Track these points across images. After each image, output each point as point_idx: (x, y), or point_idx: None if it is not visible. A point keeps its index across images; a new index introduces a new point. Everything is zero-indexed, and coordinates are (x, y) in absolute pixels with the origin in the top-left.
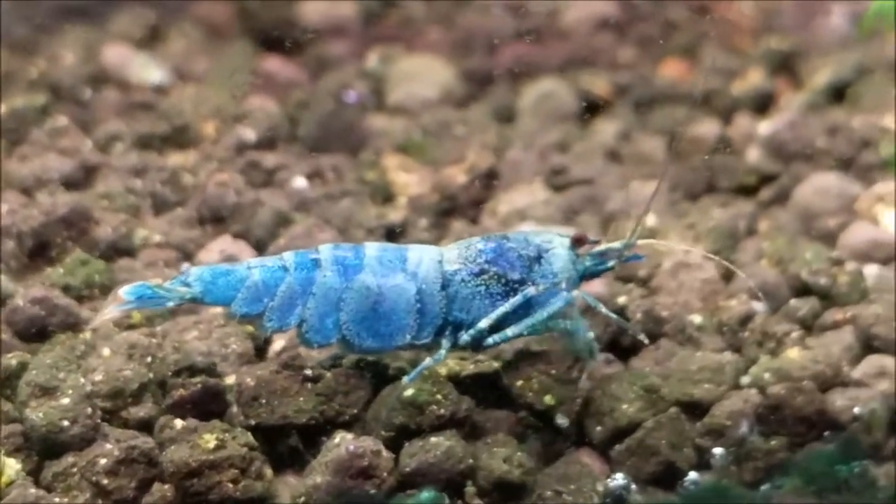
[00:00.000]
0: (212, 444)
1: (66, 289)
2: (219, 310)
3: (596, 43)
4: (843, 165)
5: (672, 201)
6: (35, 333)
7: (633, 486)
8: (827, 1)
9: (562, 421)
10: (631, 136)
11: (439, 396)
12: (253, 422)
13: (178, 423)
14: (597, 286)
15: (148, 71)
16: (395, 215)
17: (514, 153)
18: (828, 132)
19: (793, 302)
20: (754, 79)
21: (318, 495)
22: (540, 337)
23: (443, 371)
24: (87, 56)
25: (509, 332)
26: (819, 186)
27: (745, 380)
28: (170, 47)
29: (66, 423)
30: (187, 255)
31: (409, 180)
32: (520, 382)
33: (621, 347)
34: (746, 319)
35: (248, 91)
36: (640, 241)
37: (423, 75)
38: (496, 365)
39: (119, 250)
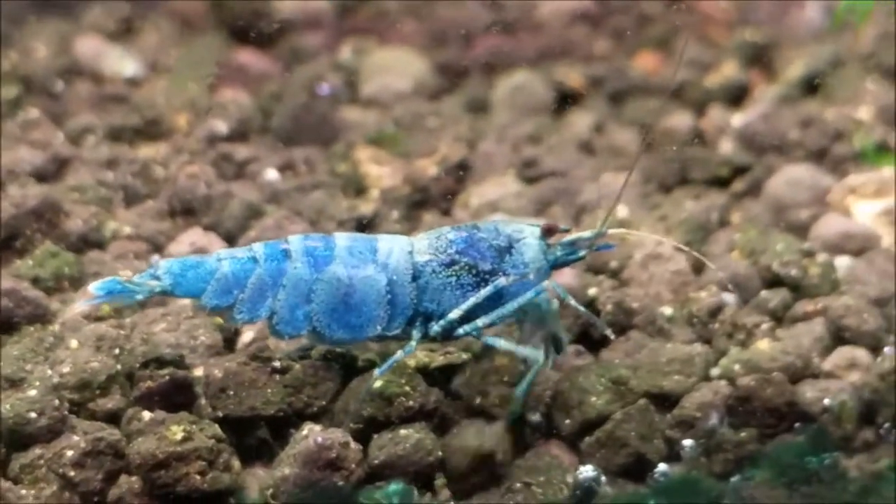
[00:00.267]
0: (179, 436)
1: (36, 281)
2: (187, 301)
3: (570, 35)
4: (815, 157)
5: (645, 193)
6: (3, 325)
7: (603, 478)
8: None
9: (534, 417)
10: (604, 129)
11: (408, 388)
12: (221, 413)
13: (146, 414)
14: (567, 277)
15: (123, 64)
16: (366, 207)
17: (487, 145)
18: (801, 124)
19: (763, 293)
20: (728, 71)
21: (287, 487)
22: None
23: (412, 363)
24: (60, 48)
25: (480, 322)
26: (791, 178)
27: (715, 371)
28: (143, 40)
29: (33, 414)
30: (157, 248)
31: (381, 172)
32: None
33: (591, 339)
34: (717, 311)
35: (220, 83)
36: (610, 231)
37: (396, 68)
38: (465, 357)
39: (89, 242)
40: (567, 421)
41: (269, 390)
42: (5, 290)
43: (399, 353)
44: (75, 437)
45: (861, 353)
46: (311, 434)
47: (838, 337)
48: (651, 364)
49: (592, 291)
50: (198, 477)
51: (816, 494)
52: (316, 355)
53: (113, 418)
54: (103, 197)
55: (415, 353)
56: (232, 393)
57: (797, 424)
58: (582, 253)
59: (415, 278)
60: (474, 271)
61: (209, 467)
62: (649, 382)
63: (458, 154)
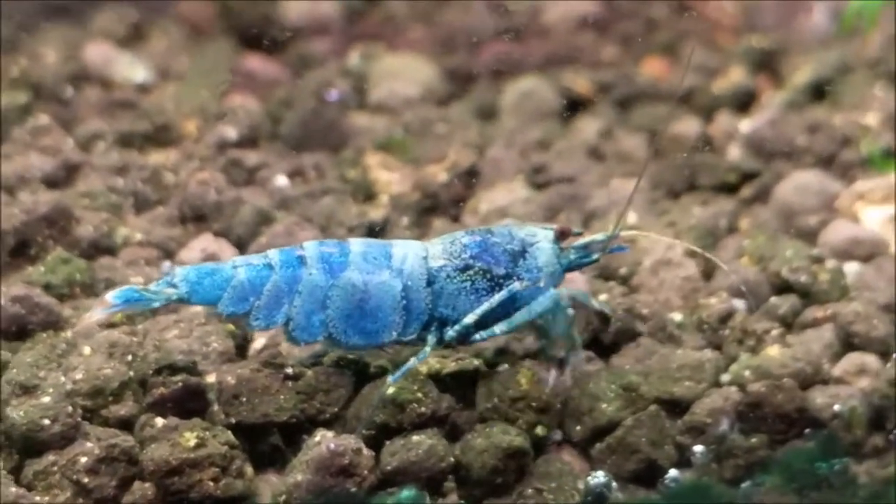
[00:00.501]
0: (192, 443)
1: (48, 287)
2: (199, 308)
3: (577, 41)
4: (823, 163)
5: (653, 199)
6: (16, 332)
7: (614, 484)
8: None
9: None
10: (612, 134)
11: (420, 395)
12: (234, 420)
13: (159, 421)
14: (579, 284)
15: (133, 70)
16: (376, 213)
17: (496, 151)
18: (808, 130)
19: (773, 300)
20: (735, 77)
21: (299, 493)
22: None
23: (423, 369)
24: (69, 54)
25: (496, 329)
26: (800, 184)
27: (725, 377)
28: (152, 46)
29: (46, 421)
30: (168, 254)
31: (390, 178)
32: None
33: (602, 345)
34: (727, 317)
35: (230, 89)
36: (623, 233)
37: (404, 73)
38: (477, 363)
39: (100, 249)
40: (578, 427)
41: (282, 397)
42: (18, 297)
43: (412, 361)
44: (89, 444)
45: (871, 359)
46: (323, 440)
47: (848, 343)
48: (661, 370)
49: (603, 298)
50: (211, 483)
51: (826, 500)
52: (328, 362)
53: (126, 425)
54: (114, 203)
55: (426, 360)
56: (245, 399)
57: (807, 430)
58: (595, 256)
59: (429, 283)
60: (489, 276)
61: (222, 474)
62: (660, 388)
63: (467, 160)
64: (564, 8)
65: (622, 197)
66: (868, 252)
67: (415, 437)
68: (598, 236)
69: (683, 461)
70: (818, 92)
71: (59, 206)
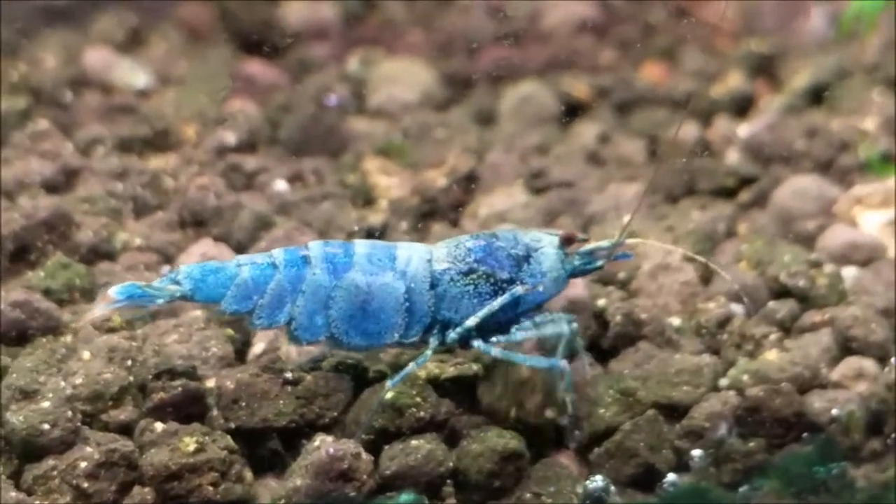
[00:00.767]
0: (192, 448)
1: (47, 292)
2: (199, 313)
3: (576, 46)
4: (821, 168)
5: (651, 204)
6: (15, 337)
7: (613, 488)
8: (806, 3)
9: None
10: (611, 139)
11: (419, 399)
12: (233, 425)
13: (159, 426)
14: (577, 289)
15: (134, 76)
16: (375, 218)
17: (495, 156)
18: (807, 134)
19: (771, 304)
20: (733, 81)
21: (298, 498)
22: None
23: (422, 374)
24: (69, 59)
25: (499, 340)
26: (798, 189)
27: (723, 382)
28: (151, 50)
29: (46, 426)
30: (168, 259)
31: (389, 183)
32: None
33: (601, 349)
34: (725, 322)
35: (229, 94)
36: (628, 240)
37: (403, 78)
38: (475, 368)
39: (100, 254)
40: (576, 432)
41: (281, 401)
42: (17, 302)
43: (411, 366)
44: (88, 449)
45: (868, 364)
46: (322, 445)
47: (846, 347)
48: (660, 375)
49: (601, 302)
50: (210, 488)
51: None
52: (327, 366)
53: (126, 430)
54: (113, 208)
55: (425, 365)
56: (244, 404)
57: (805, 434)
58: (600, 262)
59: (433, 286)
60: (492, 280)
61: (222, 478)
62: (658, 393)
63: (466, 165)
64: (563, 12)
65: (621, 202)
66: (866, 256)
67: (414, 442)
68: (604, 243)
69: (682, 465)
70: (816, 96)
71: (58, 211)
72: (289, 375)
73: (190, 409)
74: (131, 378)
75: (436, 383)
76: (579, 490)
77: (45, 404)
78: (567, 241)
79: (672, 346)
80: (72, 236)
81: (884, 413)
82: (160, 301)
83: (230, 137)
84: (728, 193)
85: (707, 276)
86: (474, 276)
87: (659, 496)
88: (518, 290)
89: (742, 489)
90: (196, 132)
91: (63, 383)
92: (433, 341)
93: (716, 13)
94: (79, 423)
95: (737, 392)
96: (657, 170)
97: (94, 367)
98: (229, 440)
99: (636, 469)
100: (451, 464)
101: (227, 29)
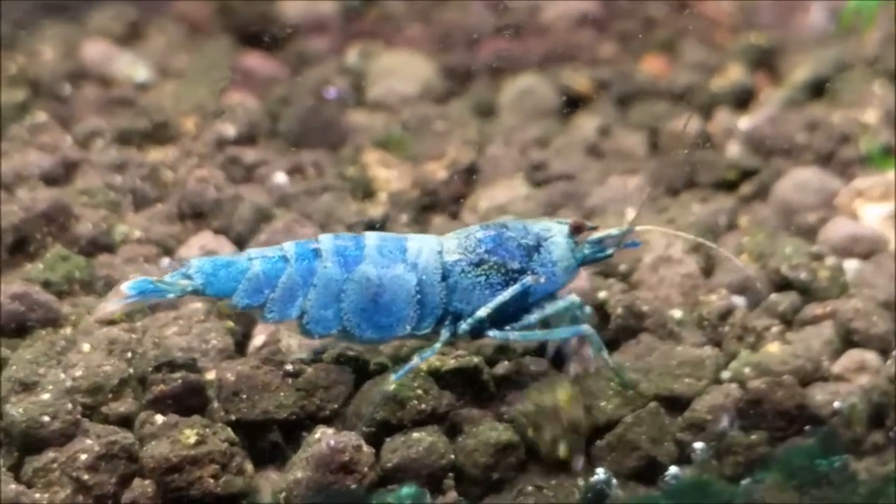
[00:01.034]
0: (192, 440)
1: (46, 284)
2: (199, 305)
3: (576, 38)
4: (822, 160)
5: (652, 196)
6: (15, 329)
7: (615, 481)
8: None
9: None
10: (611, 132)
11: (421, 391)
12: (233, 417)
13: (159, 418)
14: (579, 281)
15: (135, 69)
16: (375, 211)
17: (495, 149)
18: (807, 127)
19: (773, 297)
20: (734, 74)
21: (299, 490)
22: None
23: (424, 366)
24: (67, 52)
25: (512, 330)
26: (799, 181)
27: (725, 374)
28: (150, 44)
29: (46, 418)
30: (167, 251)
31: (389, 176)
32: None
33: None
34: (727, 314)
35: (228, 87)
36: (638, 227)
37: (402, 71)
38: (476, 360)
39: (99, 246)
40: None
41: (282, 394)
42: (17, 294)
43: (416, 359)
44: (88, 441)
45: (870, 356)
46: (323, 437)
47: (848, 340)
48: (661, 367)
49: (602, 295)
50: (211, 480)
51: (826, 497)
52: (328, 358)
53: (126, 422)
54: (113, 200)
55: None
56: (244, 396)
57: (807, 427)
58: (610, 251)
59: (444, 278)
60: (503, 270)
61: (222, 471)
62: (660, 385)
63: (466, 157)
64: (563, 5)
65: (622, 194)
66: (867, 249)
67: (415, 434)
68: (613, 231)
69: (683, 458)
70: (817, 89)
71: (57, 204)
72: (289, 367)
73: (190, 401)
74: (131, 370)
75: (437, 375)
76: (581, 483)
77: (45, 396)
78: (576, 230)
79: (674, 339)
80: (71, 228)
81: (886, 406)
82: (171, 296)
83: (229, 130)
84: (729, 186)
85: (708, 269)
86: (485, 266)
87: (661, 489)
88: (529, 279)
89: (744, 482)
90: (195, 125)
91: (63, 375)
92: (445, 333)
93: (716, 7)
94: (79, 416)
95: (739, 384)
96: (661, 162)
97: (93, 360)
98: (230, 432)
99: (638, 462)
100: (452, 457)
101: (226, 22)
